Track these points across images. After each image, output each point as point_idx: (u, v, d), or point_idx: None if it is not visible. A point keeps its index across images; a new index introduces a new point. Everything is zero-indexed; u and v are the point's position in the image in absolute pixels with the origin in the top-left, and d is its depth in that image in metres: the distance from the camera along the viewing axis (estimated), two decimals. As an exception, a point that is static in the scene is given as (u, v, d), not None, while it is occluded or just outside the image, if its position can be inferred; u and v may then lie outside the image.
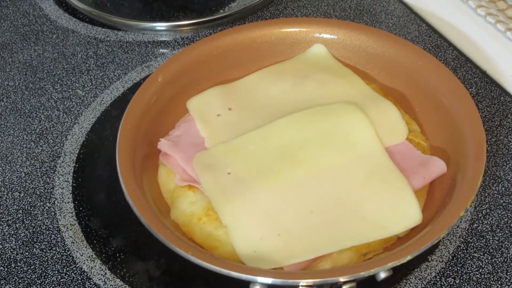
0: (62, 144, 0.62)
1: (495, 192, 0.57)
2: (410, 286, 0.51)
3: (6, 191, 0.58)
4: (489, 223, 0.55)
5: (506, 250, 0.53)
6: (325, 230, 0.48)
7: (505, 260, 0.52)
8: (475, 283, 0.51)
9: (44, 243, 0.54)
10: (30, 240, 0.55)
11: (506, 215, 0.55)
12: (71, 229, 0.55)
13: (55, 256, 0.53)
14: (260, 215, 0.49)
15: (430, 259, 0.52)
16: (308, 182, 0.50)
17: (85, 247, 0.54)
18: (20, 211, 0.57)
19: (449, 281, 0.51)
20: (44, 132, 0.63)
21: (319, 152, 0.52)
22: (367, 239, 0.48)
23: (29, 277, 0.52)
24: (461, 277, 0.51)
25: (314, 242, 0.47)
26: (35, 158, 0.61)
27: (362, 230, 0.48)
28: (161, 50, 0.72)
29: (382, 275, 0.44)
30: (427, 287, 0.51)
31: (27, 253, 0.54)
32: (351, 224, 0.48)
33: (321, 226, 0.48)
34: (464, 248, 0.53)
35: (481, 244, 0.53)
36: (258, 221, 0.48)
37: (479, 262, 0.52)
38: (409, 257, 0.44)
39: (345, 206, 0.49)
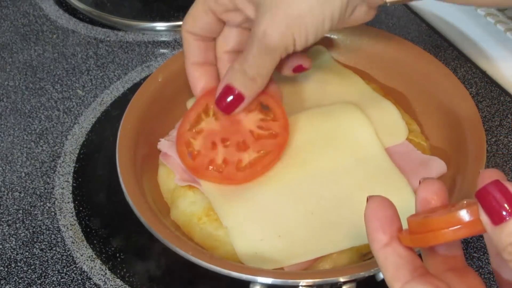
0: (62, 144, 0.62)
1: (495, 192, 0.57)
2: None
3: (6, 191, 0.58)
4: (489, 223, 0.55)
5: (506, 250, 0.53)
6: (326, 231, 0.48)
7: (505, 260, 0.52)
8: (475, 283, 0.51)
9: (44, 243, 0.54)
10: (30, 240, 0.55)
11: (506, 215, 0.55)
12: (71, 229, 0.55)
13: (55, 256, 0.53)
14: (260, 216, 0.48)
15: (430, 259, 0.52)
16: (308, 183, 0.50)
17: (85, 247, 0.54)
18: (20, 211, 0.57)
19: (449, 281, 0.51)
20: (44, 132, 0.63)
21: (319, 152, 0.52)
22: (367, 240, 0.47)
23: (29, 277, 0.52)
24: (461, 277, 0.51)
25: (314, 243, 0.47)
26: (35, 158, 0.61)
27: (363, 231, 0.48)
28: (161, 50, 0.72)
29: (382, 275, 0.44)
30: (427, 287, 0.51)
31: (27, 253, 0.54)
32: (352, 225, 0.48)
33: (321, 227, 0.48)
34: (464, 248, 0.53)
35: (481, 244, 0.53)
36: (258, 222, 0.48)
37: (479, 262, 0.52)
38: (409, 257, 0.43)
39: (345, 206, 0.49)
